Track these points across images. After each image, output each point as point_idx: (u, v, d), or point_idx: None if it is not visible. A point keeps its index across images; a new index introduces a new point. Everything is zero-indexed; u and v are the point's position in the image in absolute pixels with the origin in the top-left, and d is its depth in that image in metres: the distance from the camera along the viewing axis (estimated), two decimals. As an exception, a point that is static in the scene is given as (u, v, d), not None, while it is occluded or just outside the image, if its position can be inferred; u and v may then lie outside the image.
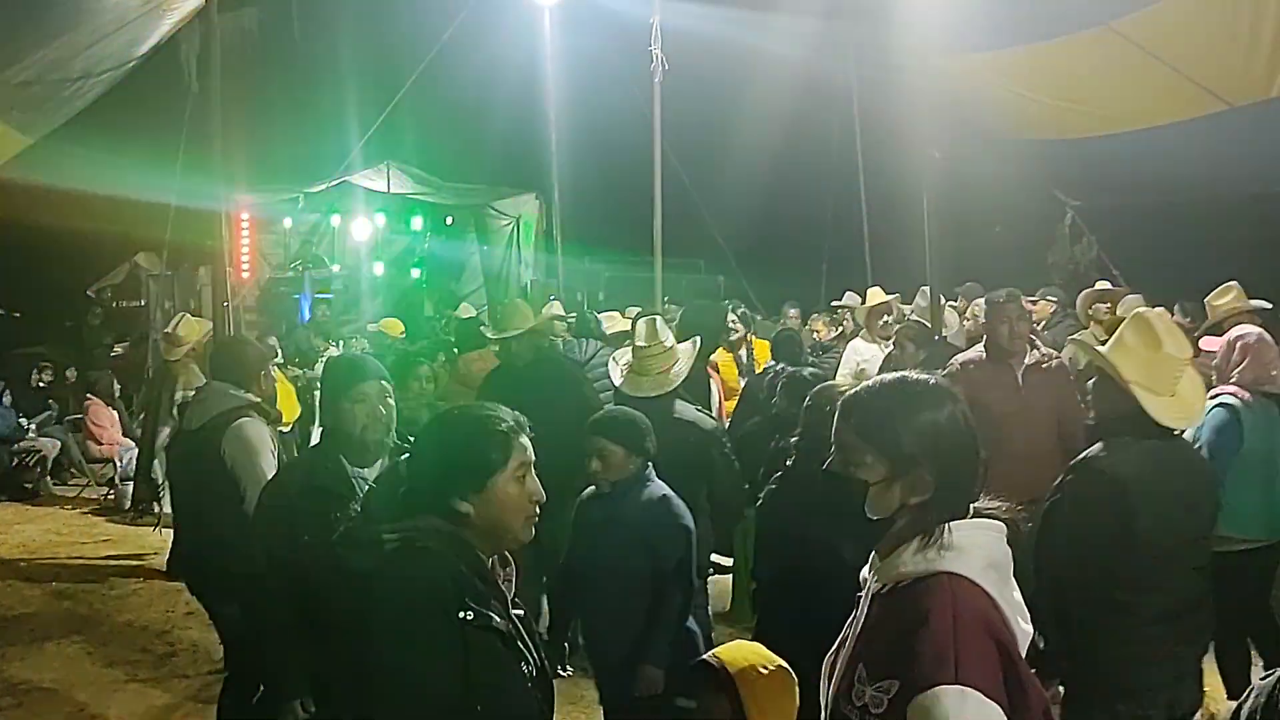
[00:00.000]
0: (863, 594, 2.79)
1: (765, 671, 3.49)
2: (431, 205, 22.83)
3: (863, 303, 11.53)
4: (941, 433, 2.66)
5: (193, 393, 7.56)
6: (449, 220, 23.84)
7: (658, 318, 6.70)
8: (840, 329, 13.24)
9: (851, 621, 2.81)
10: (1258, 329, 7.02)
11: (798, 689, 3.57)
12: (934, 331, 9.10)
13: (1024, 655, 2.64)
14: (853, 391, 2.86)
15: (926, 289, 9.92)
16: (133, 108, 12.57)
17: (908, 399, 2.72)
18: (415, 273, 24.16)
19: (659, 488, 5.52)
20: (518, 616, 3.10)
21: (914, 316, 10.28)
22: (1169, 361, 4.68)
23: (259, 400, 6.54)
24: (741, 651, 3.59)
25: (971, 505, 2.70)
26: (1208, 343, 7.49)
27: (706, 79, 15.80)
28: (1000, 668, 2.49)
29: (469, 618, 2.89)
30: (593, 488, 5.58)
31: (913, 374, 2.85)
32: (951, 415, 2.69)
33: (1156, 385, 4.66)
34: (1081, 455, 4.82)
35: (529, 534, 3.12)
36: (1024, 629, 2.66)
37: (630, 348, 6.77)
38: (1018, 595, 2.68)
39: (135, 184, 13.45)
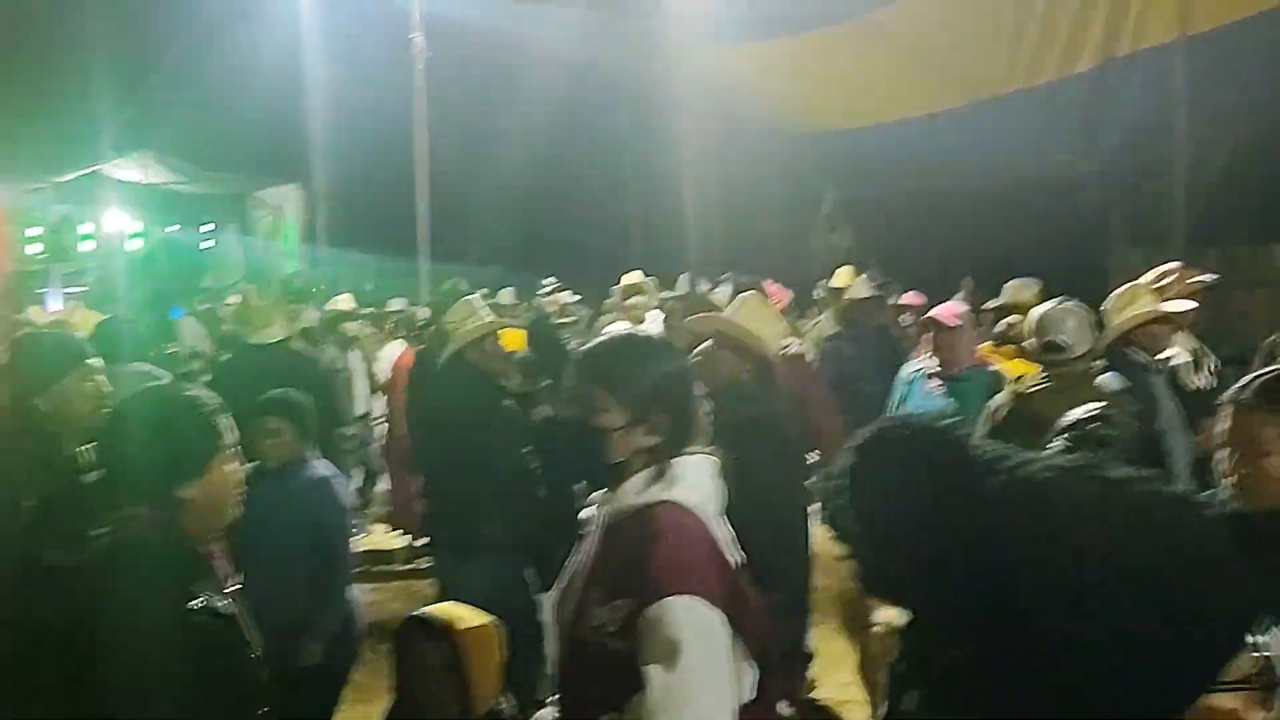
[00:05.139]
0: (588, 529, 2.99)
1: (474, 624, 3.89)
2: (189, 195, 22.12)
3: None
4: (673, 380, 2.93)
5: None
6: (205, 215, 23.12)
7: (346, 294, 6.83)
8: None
9: (577, 559, 3.00)
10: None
11: (499, 643, 3.99)
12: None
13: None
14: (588, 348, 3.09)
15: (687, 275, 10.08)
16: None
17: (643, 352, 2.99)
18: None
19: (323, 467, 5.73)
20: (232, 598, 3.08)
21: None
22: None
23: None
24: (448, 610, 3.98)
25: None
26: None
27: (474, 68, 15.73)
28: (723, 580, 2.74)
29: (197, 606, 2.84)
30: (254, 465, 5.54)
31: (636, 330, 3.08)
32: (678, 366, 2.98)
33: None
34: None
35: (237, 512, 3.14)
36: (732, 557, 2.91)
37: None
38: (728, 528, 2.92)
39: None
